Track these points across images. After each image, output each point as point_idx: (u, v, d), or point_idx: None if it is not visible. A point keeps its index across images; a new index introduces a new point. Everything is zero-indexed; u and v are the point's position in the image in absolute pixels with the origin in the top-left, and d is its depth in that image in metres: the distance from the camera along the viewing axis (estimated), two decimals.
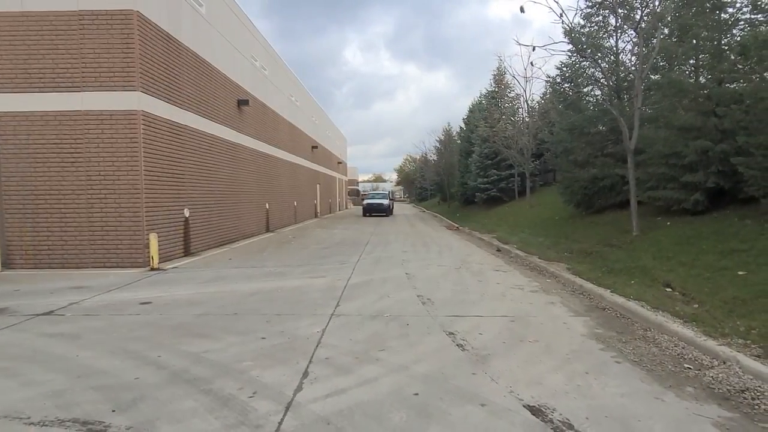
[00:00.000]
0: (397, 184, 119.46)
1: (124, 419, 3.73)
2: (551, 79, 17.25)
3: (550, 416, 3.77)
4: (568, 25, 12.86)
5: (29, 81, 11.03)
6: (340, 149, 54.80)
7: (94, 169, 11.12)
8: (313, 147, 34.63)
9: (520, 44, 24.84)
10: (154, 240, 11.03)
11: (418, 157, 71.28)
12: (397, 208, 59.24)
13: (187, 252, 13.31)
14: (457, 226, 24.38)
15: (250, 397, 4.12)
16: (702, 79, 12.45)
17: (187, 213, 13.27)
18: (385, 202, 35.92)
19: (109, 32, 10.90)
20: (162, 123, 12.06)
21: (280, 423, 3.66)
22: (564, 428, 3.58)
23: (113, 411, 3.88)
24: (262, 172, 21.18)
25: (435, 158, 54.41)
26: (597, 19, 13.62)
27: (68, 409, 3.92)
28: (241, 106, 18.12)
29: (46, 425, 3.66)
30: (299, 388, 4.30)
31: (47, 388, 4.34)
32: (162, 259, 11.60)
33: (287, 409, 3.90)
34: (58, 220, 11.20)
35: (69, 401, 4.07)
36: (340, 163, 53.26)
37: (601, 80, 14.01)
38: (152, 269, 10.83)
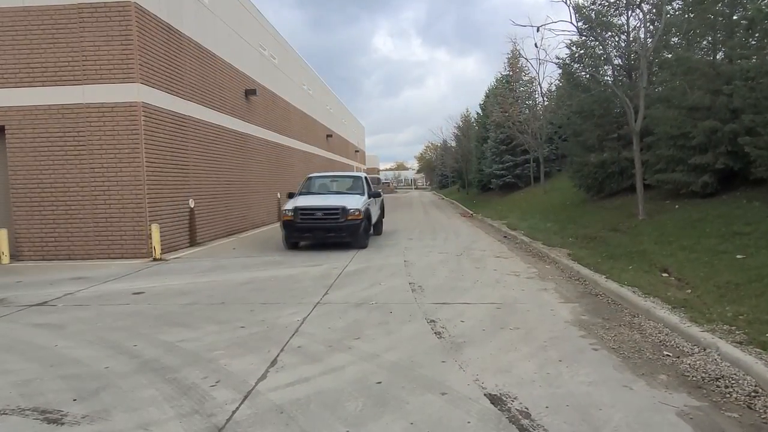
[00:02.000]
0: (418, 171, 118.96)
1: (82, 408, 3.76)
2: (561, 61, 16.78)
3: (509, 405, 3.67)
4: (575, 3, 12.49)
5: (32, 75, 11.19)
6: (358, 138, 54.70)
7: (97, 161, 11.26)
8: (327, 136, 34.61)
9: (516, 24, 24.15)
10: (156, 231, 11.15)
11: (438, 144, 70.69)
12: (416, 195, 58.97)
13: (193, 242, 13.43)
14: (471, 213, 24.16)
15: (212, 386, 4.12)
16: (719, 56, 11.98)
17: (192, 203, 13.38)
18: (350, 204, 11.98)
19: (107, 25, 10.96)
20: (164, 114, 12.13)
21: (234, 412, 3.65)
22: (520, 417, 3.49)
23: (74, 400, 3.91)
24: (273, 162, 21.23)
25: (454, 144, 53.86)
26: None
27: (32, 398, 3.97)
28: (249, 96, 18.13)
29: (7, 414, 3.71)
30: (263, 377, 4.28)
31: (18, 377, 4.41)
32: (166, 250, 11.74)
33: (245, 397, 3.88)
34: (63, 212, 11.38)
35: (35, 390, 4.12)
36: (358, 151, 53.18)
37: (614, 56, 13.60)
38: (155, 260, 10.96)
